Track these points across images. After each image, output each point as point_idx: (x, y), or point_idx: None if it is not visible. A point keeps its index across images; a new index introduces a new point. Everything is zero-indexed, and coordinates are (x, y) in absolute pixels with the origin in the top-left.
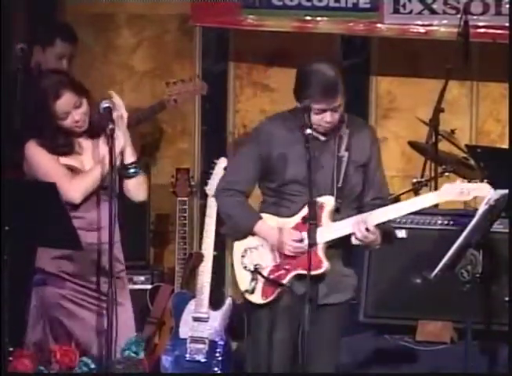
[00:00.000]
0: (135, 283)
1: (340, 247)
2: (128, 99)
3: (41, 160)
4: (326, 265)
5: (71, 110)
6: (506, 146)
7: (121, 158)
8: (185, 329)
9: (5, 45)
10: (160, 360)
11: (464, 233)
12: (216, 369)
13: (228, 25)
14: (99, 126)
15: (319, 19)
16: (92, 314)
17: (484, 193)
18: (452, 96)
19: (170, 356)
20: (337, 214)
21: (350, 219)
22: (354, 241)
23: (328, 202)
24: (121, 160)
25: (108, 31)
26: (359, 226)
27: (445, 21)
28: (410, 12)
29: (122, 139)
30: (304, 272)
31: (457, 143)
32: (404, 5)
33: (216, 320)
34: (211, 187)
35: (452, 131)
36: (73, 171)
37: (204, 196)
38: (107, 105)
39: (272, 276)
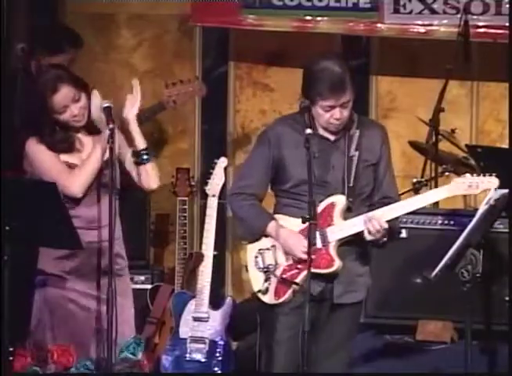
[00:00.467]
0: (135, 283)
1: (355, 245)
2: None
3: (42, 157)
4: (337, 263)
5: (69, 103)
6: (506, 145)
7: (130, 146)
8: (186, 329)
9: (5, 45)
10: (160, 360)
11: (464, 233)
12: (216, 369)
13: (228, 25)
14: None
15: (319, 19)
16: (93, 314)
17: (492, 186)
18: (452, 96)
19: (170, 355)
20: (349, 213)
21: (361, 217)
22: (367, 237)
23: (339, 201)
24: (132, 149)
25: (108, 31)
26: (372, 222)
27: (445, 21)
28: (410, 12)
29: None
30: (317, 271)
31: (457, 143)
32: (404, 5)
33: (216, 320)
34: (211, 187)
35: (453, 131)
36: (73, 168)
37: (204, 196)
38: (107, 105)
39: (284, 276)
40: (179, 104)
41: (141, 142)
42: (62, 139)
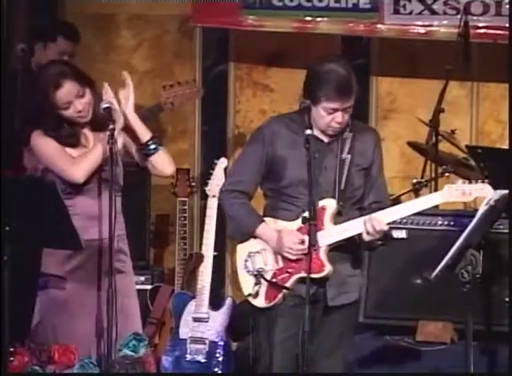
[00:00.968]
0: (135, 284)
1: (345, 247)
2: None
3: (46, 147)
4: (328, 268)
5: (73, 99)
6: (506, 146)
7: (135, 141)
8: (186, 329)
9: (5, 45)
10: (160, 361)
11: (464, 234)
12: (216, 369)
13: (228, 25)
14: (103, 118)
15: (319, 19)
16: (94, 314)
17: (486, 194)
18: (452, 97)
19: (170, 356)
20: (338, 217)
21: (356, 220)
22: (366, 238)
23: (330, 205)
24: (137, 143)
25: (108, 32)
26: (373, 224)
27: (445, 22)
28: (410, 13)
29: (122, 119)
30: (306, 275)
31: (457, 144)
32: (404, 6)
33: (216, 321)
34: (211, 187)
35: (453, 132)
36: None
37: (204, 196)
38: (107, 105)
39: (275, 280)
40: (177, 106)
41: (145, 134)
42: (68, 134)
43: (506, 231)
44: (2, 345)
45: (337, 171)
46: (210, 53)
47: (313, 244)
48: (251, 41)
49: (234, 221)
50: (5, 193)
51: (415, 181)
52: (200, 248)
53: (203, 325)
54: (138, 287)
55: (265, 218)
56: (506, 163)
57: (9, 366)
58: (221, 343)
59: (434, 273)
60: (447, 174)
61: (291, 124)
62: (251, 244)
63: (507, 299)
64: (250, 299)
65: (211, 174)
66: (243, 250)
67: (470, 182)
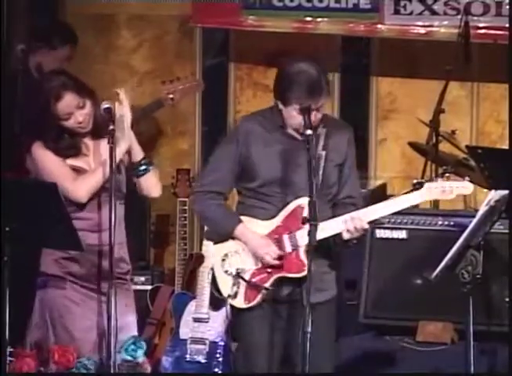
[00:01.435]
0: (135, 284)
1: (319, 245)
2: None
3: (47, 162)
4: (307, 268)
5: (74, 111)
6: (506, 146)
7: (129, 158)
8: (186, 330)
9: (5, 46)
10: (160, 361)
11: (465, 234)
12: (216, 370)
13: (228, 26)
14: (105, 127)
15: (319, 19)
16: (94, 316)
17: (467, 192)
18: (452, 97)
19: (170, 356)
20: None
21: (335, 219)
22: (345, 236)
23: (307, 203)
24: (129, 160)
25: (108, 32)
26: (355, 221)
27: (445, 22)
28: (411, 13)
29: (127, 139)
30: (287, 275)
31: (457, 144)
32: (404, 6)
33: (216, 321)
34: None
35: (453, 132)
36: (80, 172)
37: None
38: (107, 105)
39: (254, 280)
40: (177, 101)
41: (138, 154)
42: (68, 146)
43: (507, 231)
44: (2, 345)
45: (312, 168)
46: (210, 53)
47: (313, 243)
48: (251, 41)
49: (211, 222)
50: (5, 194)
51: (415, 181)
52: (201, 249)
53: (203, 325)
54: (139, 287)
55: (241, 217)
56: (506, 163)
57: (18, 370)
58: (222, 343)
59: (435, 273)
60: (447, 174)
61: (264, 122)
62: (229, 244)
63: (507, 299)
64: (229, 300)
65: None
66: (220, 250)
67: (449, 179)
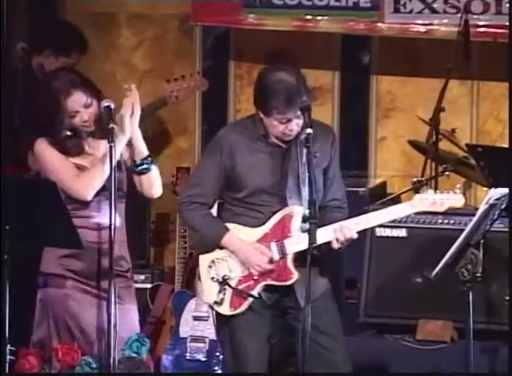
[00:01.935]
0: (135, 282)
1: (304, 252)
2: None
3: (50, 158)
4: (296, 276)
5: (80, 109)
6: (506, 145)
7: (132, 155)
8: (186, 328)
9: (5, 45)
10: (160, 359)
11: (465, 233)
12: (216, 368)
13: (228, 24)
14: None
15: (319, 18)
16: (96, 314)
17: (458, 204)
18: (452, 96)
19: (170, 355)
20: (304, 224)
21: (324, 228)
22: (335, 245)
23: (296, 211)
24: (132, 158)
25: (109, 31)
26: (344, 232)
27: (445, 20)
28: (411, 12)
29: (127, 133)
30: (274, 282)
31: (457, 143)
32: (404, 5)
33: None
34: None
35: (453, 131)
36: (83, 170)
37: None
38: (107, 104)
39: (240, 287)
40: (181, 99)
41: (142, 152)
42: (72, 143)
43: (507, 230)
44: (2, 345)
45: (299, 175)
46: (210, 52)
47: (313, 243)
48: (252, 39)
49: (197, 233)
50: (5, 192)
51: (415, 180)
52: None
53: (203, 324)
54: (139, 285)
55: (229, 225)
56: (506, 162)
57: (21, 369)
58: None
59: (435, 272)
60: (447, 173)
61: (246, 131)
62: (215, 251)
63: (507, 298)
64: (215, 307)
65: None
66: (206, 256)
67: (441, 192)
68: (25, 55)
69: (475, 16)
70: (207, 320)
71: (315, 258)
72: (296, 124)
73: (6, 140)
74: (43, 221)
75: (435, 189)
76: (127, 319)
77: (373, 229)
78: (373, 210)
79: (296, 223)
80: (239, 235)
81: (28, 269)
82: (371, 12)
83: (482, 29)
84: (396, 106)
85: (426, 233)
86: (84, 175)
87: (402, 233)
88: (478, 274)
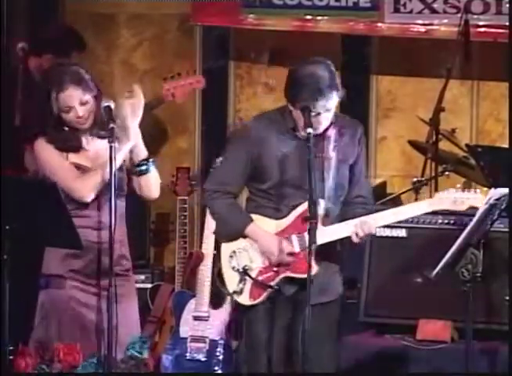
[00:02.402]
0: (135, 283)
1: (326, 246)
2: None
3: (50, 158)
4: (315, 269)
5: (75, 104)
6: (506, 145)
7: (131, 156)
8: (186, 328)
9: (5, 45)
10: (160, 359)
11: (465, 233)
12: (216, 368)
13: (228, 24)
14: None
15: (319, 18)
16: (97, 314)
17: (478, 204)
18: (452, 96)
19: (170, 355)
20: (327, 218)
21: (345, 223)
22: (354, 240)
23: (318, 205)
24: (131, 159)
25: (108, 31)
26: (363, 227)
27: (445, 20)
28: (411, 12)
29: (133, 137)
30: (293, 275)
31: (457, 143)
32: (404, 5)
33: (216, 319)
34: None
35: (453, 131)
36: (82, 169)
37: None
38: (107, 104)
39: (260, 278)
40: (178, 97)
41: (141, 153)
42: (68, 138)
43: (507, 230)
44: (2, 345)
45: (323, 169)
46: (210, 52)
47: (313, 242)
48: (251, 39)
49: (221, 221)
50: (5, 192)
51: (415, 180)
52: (201, 247)
53: (203, 324)
54: (139, 285)
55: (253, 216)
56: (506, 162)
57: (14, 366)
58: (222, 342)
59: (435, 272)
60: (447, 173)
61: (275, 123)
62: (237, 241)
63: (507, 298)
64: (235, 296)
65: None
66: (228, 246)
67: (462, 190)
68: (25, 55)
69: (475, 16)
70: (207, 320)
71: (337, 254)
72: (325, 118)
73: (6, 140)
74: (43, 221)
75: (435, 189)
76: (128, 319)
77: None
78: (377, 210)
79: (318, 217)
80: (262, 226)
81: (29, 268)
82: (371, 12)
83: (482, 29)
84: (396, 106)
85: (426, 233)
86: (84, 177)
87: (402, 233)
88: (478, 274)
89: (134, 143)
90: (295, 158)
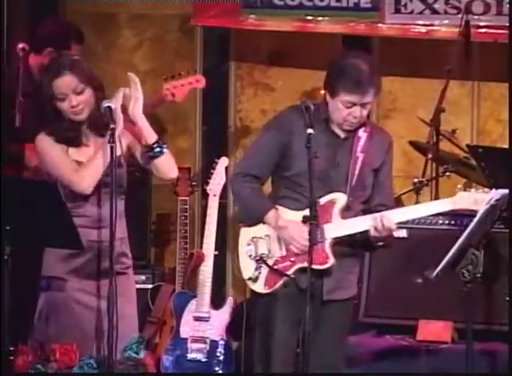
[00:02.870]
0: (136, 283)
1: (347, 242)
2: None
3: (50, 151)
4: (331, 261)
5: (70, 93)
6: (506, 146)
7: (142, 142)
8: (186, 328)
9: (5, 45)
10: (160, 360)
11: (465, 233)
12: (217, 368)
13: (229, 25)
14: (105, 121)
15: (320, 19)
16: (96, 313)
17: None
18: (453, 96)
19: (171, 355)
20: (346, 212)
21: (364, 217)
22: (372, 233)
23: (340, 199)
24: (143, 144)
25: (109, 31)
26: (382, 221)
27: (446, 21)
28: (411, 12)
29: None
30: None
31: (458, 143)
32: (405, 5)
33: (217, 320)
34: (212, 187)
35: (453, 131)
36: (82, 165)
37: (205, 195)
38: (108, 104)
39: (276, 267)
40: (178, 97)
41: (151, 136)
42: (66, 128)
43: (507, 230)
44: (2, 345)
45: (349, 167)
46: (211, 53)
47: (314, 242)
48: (252, 40)
49: (244, 204)
50: (5, 192)
51: (416, 180)
52: (201, 247)
53: (203, 324)
54: (139, 286)
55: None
56: (506, 162)
57: (13, 365)
58: (222, 342)
59: (435, 272)
60: (448, 173)
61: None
62: (256, 229)
63: (508, 299)
64: (250, 283)
65: (212, 173)
66: (246, 233)
67: (483, 191)
68: (25, 55)
69: (476, 17)
70: (207, 321)
71: (353, 251)
72: (359, 111)
73: (6, 140)
74: (43, 221)
75: (436, 189)
76: (127, 319)
77: None
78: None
79: (337, 210)
80: (284, 216)
81: (29, 269)
82: (372, 13)
83: (483, 30)
84: (397, 107)
85: (426, 233)
86: (83, 169)
87: (403, 233)
88: (479, 275)
89: (120, 131)
90: (323, 151)
